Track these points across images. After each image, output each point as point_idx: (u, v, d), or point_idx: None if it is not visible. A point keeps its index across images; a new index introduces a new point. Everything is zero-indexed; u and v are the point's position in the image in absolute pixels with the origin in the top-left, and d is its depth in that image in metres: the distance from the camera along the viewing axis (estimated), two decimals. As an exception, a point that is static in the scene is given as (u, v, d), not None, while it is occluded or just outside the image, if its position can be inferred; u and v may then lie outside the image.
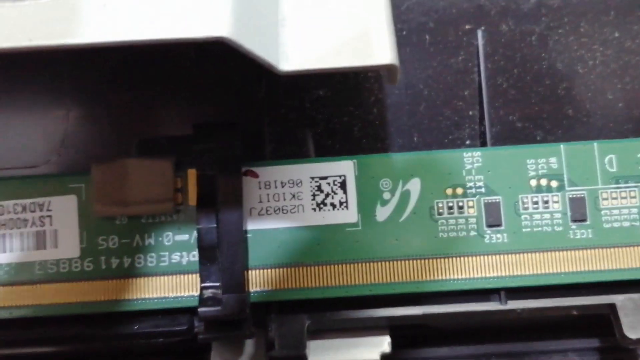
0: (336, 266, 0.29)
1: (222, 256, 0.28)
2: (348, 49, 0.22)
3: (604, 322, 0.29)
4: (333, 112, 0.31)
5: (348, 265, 0.29)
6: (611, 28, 0.32)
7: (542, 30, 0.32)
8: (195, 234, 0.29)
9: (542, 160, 0.30)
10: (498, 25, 0.32)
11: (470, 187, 0.30)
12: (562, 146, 0.30)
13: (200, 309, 0.28)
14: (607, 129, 0.31)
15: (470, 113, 0.31)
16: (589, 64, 0.32)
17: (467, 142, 0.31)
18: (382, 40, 0.22)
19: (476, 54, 0.32)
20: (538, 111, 0.31)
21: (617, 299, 0.29)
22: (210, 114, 0.31)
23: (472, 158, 0.30)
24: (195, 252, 0.29)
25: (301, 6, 0.23)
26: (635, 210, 0.29)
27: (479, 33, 0.32)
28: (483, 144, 0.31)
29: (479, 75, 0.31)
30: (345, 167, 0.30)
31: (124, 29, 0.20)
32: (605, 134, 0.31)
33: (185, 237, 0.29)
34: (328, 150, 0.31)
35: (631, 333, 0.28)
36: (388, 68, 0.22)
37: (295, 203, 0.30)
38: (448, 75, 0.32)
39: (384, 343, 0.29)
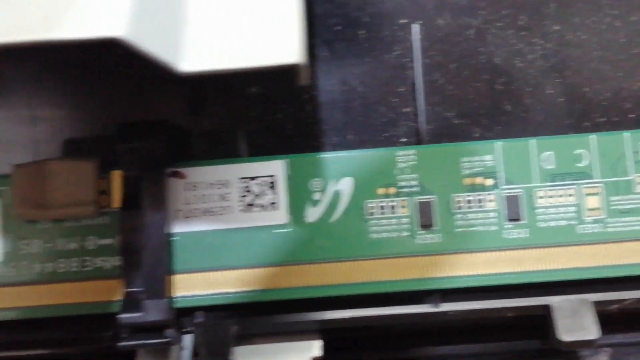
0: (266, 269, 0.28)
1: (146, 260, 0.28)
2: (252, 48, 0.21)
3: (542, 324, 0.28)
4: (266, 110, 0.31)
5: (278, 268, 0.28)
6: (551, 21, 0.31)
7: (480, 24, 0.31)
8: (119, 237, 0.28)
9: (477, 158, 0.29)
10: (435, 19, 0.31)
11: (404, 187, 0.29)
12: (498, 143, 0.29)
13: (121, 315, 0.27)
14: (547, 124, 0.31)
15: (407, 110, 0.31)
16: (528, 58, 0.31)
17: (404, 139, 0.31)
18: (287, 39, 0.21)
19: (414, 49, 0.31)
20: (476, 107, 0.31)
21: (553, 300, 0.28)
22: (139, 113, 0.30)
23: (405, 156, 0.29)
24: (120, 257, 0.28)
25: (207, 4, 0.22)
26: (572, 209, 0.29)
27: (415, 27, 0.31)
28: (419, 141, 0.30)
29: (414, 71, 0.30)
30: (275, 167, 0.29)
31: (6, 29, 0.20)
32: (545, 129, 0.31)
33: (109, 240, 0.29)
34: (261, 150, 0.30)
35: (566, 336, 0.27)
36: (294, 67, 0.21)
37: (224, 204, 0.29)
38: (383, 71, 0.31)
39: (315, 347, 0.28)
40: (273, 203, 0.29)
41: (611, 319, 0.29)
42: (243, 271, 0.28)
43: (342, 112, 0.31)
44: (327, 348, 0.29)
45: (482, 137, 0.30)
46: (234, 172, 0.29)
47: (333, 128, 0.30)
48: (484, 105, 0.31)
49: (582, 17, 0.31)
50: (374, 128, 0.30)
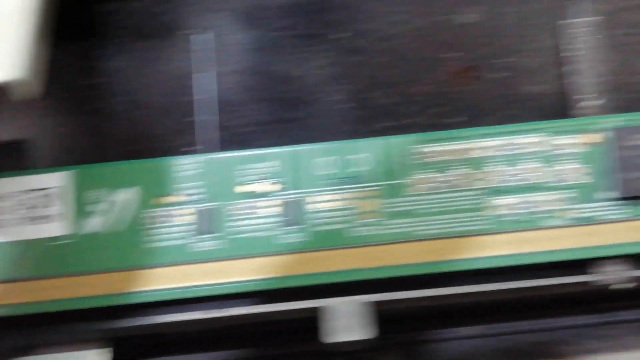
0: (49, 281, 0.29)
1: None
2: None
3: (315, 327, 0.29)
4: (51, 121, 0.31)
5: (61, 280, 0.29)
6: (339, 28, 0.32)
7: (268, 32, 0.32)
8: None
9: (260, 165, 0.30)
10: (225, 29, 0.32)
11: (186, 195, 0.29)
12: (280, 150, 0.30)
13: None
14: (335, 130, 0.31)
15: (194, 119, 0.31)
16: (316, 65, 0.32)
17: (192, 148, 0.31)
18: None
19: (200, 59, 0.31)
20: (264, 115, 0.31)
21: (324, 302, 0.29)
22: None
23: (188, 165, 0.29)
24: None
25: None
26: (348, 212, 0.29)
27: (198, 38, 0.31)
28: (205, 150, 0.31)
29: (199, 81, 0.31)
30: (56, 179, 0.29)
31: None
32: (333, 135, 0.31)
33: None
34: (46, 161, 0.30)
35: (332, 337, 0.28)
36: (8, 84, 0.22)
37: (3, 217, 0.29)
38: (170, 81, 0.31)
39: (98, 356, 0.29)
40: (53, 215, 0.29)
41: (399, 318, 0.30)
42: (23, 284, 0.29)
43: (128, 123, 0.31)
44: (119, 356, 0.29)
45: (271, 145, 0.31)
46: (13, 184, 0.29)
47: (117, 139, 0.31)
48: (273, 113, 0.31)
49: (369, 24, 0.32)
50: (160, 138, 0.31)
